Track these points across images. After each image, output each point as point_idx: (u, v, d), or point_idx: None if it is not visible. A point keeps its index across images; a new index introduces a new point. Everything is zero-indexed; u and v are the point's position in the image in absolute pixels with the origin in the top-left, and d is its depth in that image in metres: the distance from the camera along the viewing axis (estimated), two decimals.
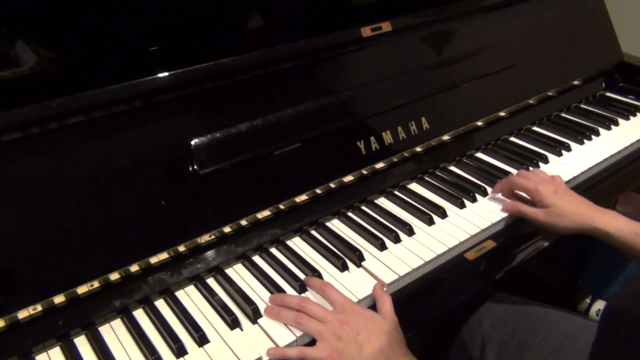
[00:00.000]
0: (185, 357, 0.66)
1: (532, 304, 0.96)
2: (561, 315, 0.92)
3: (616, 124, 1.20)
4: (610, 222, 0.81)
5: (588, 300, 1.56)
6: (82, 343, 0.68)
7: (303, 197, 0.86)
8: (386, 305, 0.73)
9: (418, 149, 1.00)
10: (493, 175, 0.99)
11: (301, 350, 0.67)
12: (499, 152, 1.08)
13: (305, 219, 0.86)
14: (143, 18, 0.80)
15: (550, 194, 0.86)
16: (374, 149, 0.93)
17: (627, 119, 1.22)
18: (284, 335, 0.68)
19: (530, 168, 1.02)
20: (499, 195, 0.95)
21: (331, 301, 0.72)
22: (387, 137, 0.95)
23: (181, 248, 0.76)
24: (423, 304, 0.82)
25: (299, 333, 0.69)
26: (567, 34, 1.29)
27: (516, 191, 0.92)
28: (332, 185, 0.89)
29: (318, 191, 0.88)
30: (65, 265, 0.68)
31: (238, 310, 0.72)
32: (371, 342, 0.67)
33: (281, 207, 0.84)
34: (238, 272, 0.79)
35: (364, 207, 0.92)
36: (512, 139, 1.15)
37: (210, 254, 0.79)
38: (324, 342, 0.67)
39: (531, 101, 1.19)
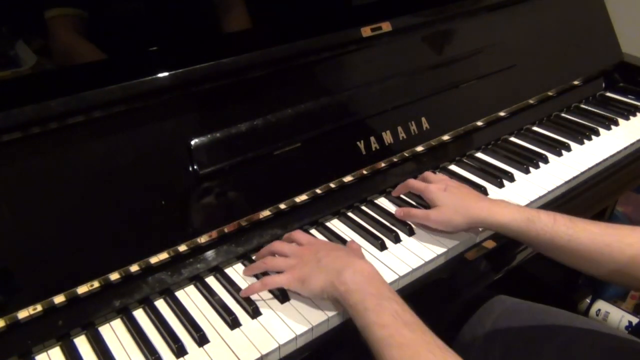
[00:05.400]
0: (185, 357, 0.66)
1: (534, 305, 0.95)
2: (565, 317, 0.91)
3: (616, 124, 1.20)
4: (502, 212, 0.79)
5: (588, 300, 1.56)
6: (82, 343, 0.68)
7: (303, 197, 0.86)
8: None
9: (418, 148, 1.00)
10: (493, 175, 0.99)
11: (263, 280, 0.73)
12: (499, 152, 1.08)
13: (305, 219, 0.86)
14: (143, 18, 0.80)
15: (440, 191, 0.84)
16: (374, 149, 0.93)
17: (627, 119, 1.22)
18: (285, 334, 0.68)
19: (531, 168, 1.02)
20: (500, 197, 0.95)
21: (299, 241, 0.78)
22: (387, 137, 0.95)
23: (181, 248, 0.76)
24: (423, 304, 0.82)
25: (299, 331, 0.69)
26: (567, 34, 1.29)
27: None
28: (332, 185, 0.89)
29: (318, 191, 0.88)
30: (65, 265, 0.68)
31: (238, 310, 0.72)
32: (329, 255, 0.71)
33: (281, 207, 0.84)
34: (238, 272, 0.79)
35: (364, 207, 0.92)
36: (512, 139, 1.15)
37: (210, 254, 0.79)
38: (285, 269, 0.73)
39: (531, 101, 1.19)
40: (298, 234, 0.80)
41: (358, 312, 0.64)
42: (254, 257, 0.80)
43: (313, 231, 0.87)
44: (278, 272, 0.74)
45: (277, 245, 0.78)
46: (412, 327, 0.61)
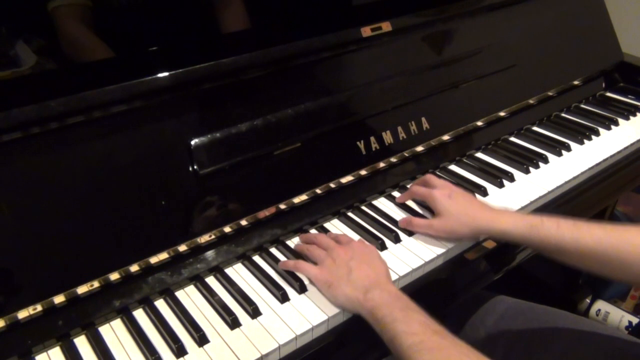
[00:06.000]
0: (185, 357, 0.66)
1: (535, 306, 0.95)
2: (567, 318, 0.91)
3: (616, 124, 1.20)
4: (505, 220, 0.79)
5: (588, 300, 1.56)
6: (82, 343, 0.68)
7: (303, 197, 0.86)
8: None
9: (418, 149, 1.00)
10: (493, 175, 0.99)
11: (298, 262, 0.77)
12: (499, 152, 1.08)
13: (305, 219, 0.86)
14: (143, 18, 0.80)
15: (445, 198, 0.84)
16: (373, 149, 0.93)
17: (627, 119, 1.22)
18: (285, 334, 0.68)
19: (531, 168, 1.02)
20: (500, 197, 0.95)
21: (339, 240, 0.80)
22: (387, 137, 0.95)
23: (181, 248, 0.76)
24: (423, 304, 0.82)
25: (299, 331, 0.69)
26: (567, 34, 1.29)
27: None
28: (332, 185, 0.89)
29: (318, 191, 0.88)
30: (65, 265, 0.68)
31: (238, 310, 0.72)
32: (361, 268, 0.73)
33: (281, 207, 0.84)
34: (238, 272, 0.79)
35: (363, 207, 0.92)
36: (512, 139, 1.15)
37: (210, 254, 0.79)
38: (319, 264, 0.76)
39: (531, 101, 1.19)
40: (340, 236, 0.83)
41: (386, 324, 0.65)
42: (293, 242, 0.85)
43: (313, 231, 0.87)
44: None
45: (320, 237, 0.81)
46: (442, 334, 0.62)
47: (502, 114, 1.13)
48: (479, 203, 0.85)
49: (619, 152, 1.10)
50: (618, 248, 0.72)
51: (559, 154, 1.08)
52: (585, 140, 1.13)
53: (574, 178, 1.02)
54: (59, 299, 0.67)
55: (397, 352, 0.63)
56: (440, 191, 0.86)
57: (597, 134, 1.15)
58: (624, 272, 0.73)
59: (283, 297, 0.73)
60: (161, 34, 0.81)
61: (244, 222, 0.81)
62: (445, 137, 1.04)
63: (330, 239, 0.80)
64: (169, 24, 0.85)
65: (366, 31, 0.94)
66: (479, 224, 0.81)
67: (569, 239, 0.74)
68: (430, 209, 0.89)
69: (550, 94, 1.23)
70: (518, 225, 0.78)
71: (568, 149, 1.10)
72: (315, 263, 0.77)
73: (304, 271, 0.76)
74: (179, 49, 0.81)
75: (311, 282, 0.76)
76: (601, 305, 1.53)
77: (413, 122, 0.98)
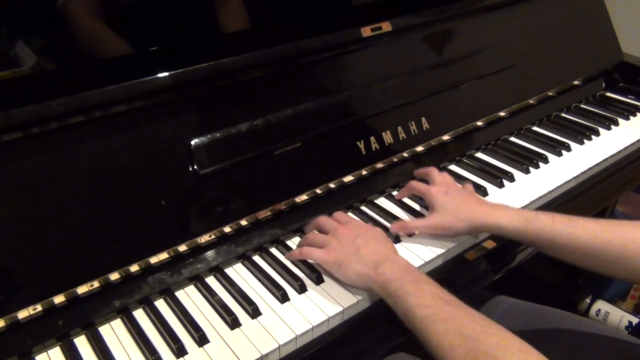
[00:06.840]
0: (185, 357, 0.66)
1: (535, 306, 0.95)
2: (568, 319, 0.90)
3: (616, 124, 1.20)
4: (501, 214, 0.79)
5: (588, 300, 1.56)
6: (82, 343, 0.68)
7: (303, 197, 0.86)
8: None
9: (418, 149, 1.00)
10: (493, 175, 0.99)
11: (302, 250, 0.77)
12: (499, 152, 1.08)
13: (305, 219, 0.86)
14: (143, 17, 0.80)
15: (442, 195, 0.84)
16: (374, 149, 0.93)
17: (627, 119, 1.22)
18: (285, 334, 0.68)
19: (531, 168, 1.02)
20: (500, 197, 0.95)
21: (339, 220, 0.81)
22: (387, 137, 0.95)
23: (181, 248, 0.76)
24: None
25: (299, 331, 0.69)
26: (567, 34, 1.29)
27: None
28: (332, 185, 0.89)
29: (318, 191, 0.88)
30: (65, 265, 0.68)
31: (238, 310, 0.72)
32: (368, 245, 0.74)
33: (281, 207, 0.84)
34: (238, 272, 0.79)
35: (363, 207, 0.92)
36: (512, 139, 1.15)
37: (210, 254, 0.79)
38: (325, 246, 0.76)
39: (531, 101, 1.19)
40: (337, 214, 0.84)
41: (399, 297, 0.66)
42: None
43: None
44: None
45: (321, 219, 0.82)
46: (454, 304, 0.63)
47: (502, 114, 1.13)
48: (475, 198, 0.86)
49: (619, 152, 1.10)
50: (612, 243, 0.72)
51: (559, 154, 1.08)
52: (585, 140, 1.13)
53: (574, 178, 1.02)
54: (59, 299, 0.67)
55: (411, 325, 0.64)
56: (438, 188, 0.86)
57: (597, 134, 1.15)
58: (617, 268, 0.73)
59: (283, 297, 0.73)
60: (161, 34, 0.81)
61: (244, 222, 0.81)
62: (445, 137, 1.04)
63: (330, 220, 0.82)
64: (169, 24, 0.85)
65: (366, 31, 0.94)
66: (475, 219, 0.81)
67: (563, 233, 0.74)
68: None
69: (550, 94, 1.23)
70: (513, 220, 0.78)
71: (568, 149, 1.10)
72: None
73: (310, 256, 0.77)
74: (179, 49, 0.81)
75: (317, 275, 0.76)
76: (601, 305, 1.53)
77: (413, 122, 0.98)
